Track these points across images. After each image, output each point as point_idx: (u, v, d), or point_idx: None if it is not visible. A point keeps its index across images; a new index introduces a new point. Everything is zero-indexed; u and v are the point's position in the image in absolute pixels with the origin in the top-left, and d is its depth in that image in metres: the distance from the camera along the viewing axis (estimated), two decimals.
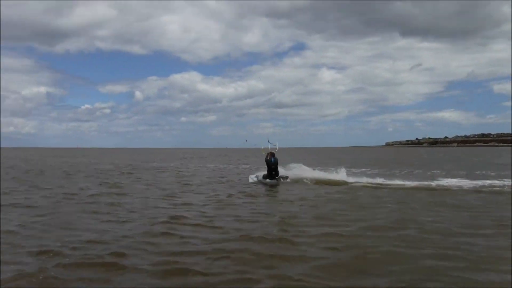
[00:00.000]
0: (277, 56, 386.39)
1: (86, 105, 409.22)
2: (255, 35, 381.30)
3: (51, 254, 6.74)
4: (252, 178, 19.64)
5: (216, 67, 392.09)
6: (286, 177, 18.65)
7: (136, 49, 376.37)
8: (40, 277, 5.67)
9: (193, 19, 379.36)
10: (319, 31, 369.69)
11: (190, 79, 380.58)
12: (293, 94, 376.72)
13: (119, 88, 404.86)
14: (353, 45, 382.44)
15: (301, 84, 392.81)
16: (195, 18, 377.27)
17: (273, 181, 17.88)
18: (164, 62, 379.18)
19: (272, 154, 18.17)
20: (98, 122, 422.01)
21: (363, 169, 26.53)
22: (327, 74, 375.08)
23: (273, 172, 18.06)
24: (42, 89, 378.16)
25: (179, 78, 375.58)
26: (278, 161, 18.25)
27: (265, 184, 17.95)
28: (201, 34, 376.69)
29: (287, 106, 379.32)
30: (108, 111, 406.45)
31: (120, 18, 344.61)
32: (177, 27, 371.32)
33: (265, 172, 18.35)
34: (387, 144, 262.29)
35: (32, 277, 5.69)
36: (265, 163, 18.29)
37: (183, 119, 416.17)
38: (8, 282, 5.51)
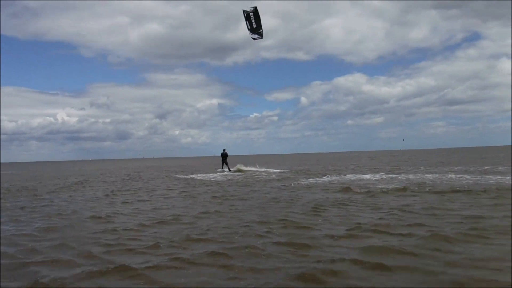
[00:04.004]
0: (449, 49, 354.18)
1: (255, 114, 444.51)
2: (422, 30, 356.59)
3: None
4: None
5: (382, 66, 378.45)
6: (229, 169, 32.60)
7: (300, 55, 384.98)
8: None
9: (356, 20, 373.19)
10: (496, 17, 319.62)
11: (354, 80, 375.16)
12: (468, 89, 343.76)
13: (285, 95, 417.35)
14: None
15: (477, 78, 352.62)
16: (358, 18, 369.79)
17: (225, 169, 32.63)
18: (328, 65, 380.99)
19: (224, 150, 33.21)
20: (266, 129, 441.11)
21: None
22: (508, 64, 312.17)
23: (224, 162, 33.33)
24: (214, 101, 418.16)
25: (343, 80, 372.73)
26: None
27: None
28: (365, 34, 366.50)
29: (462, 102, 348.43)
30: (275, 118, 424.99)
31: (284, 26, 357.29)
32: (340, 30, 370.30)
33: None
34: None
35: None
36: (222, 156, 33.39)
37: (349, 122, 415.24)
38: None
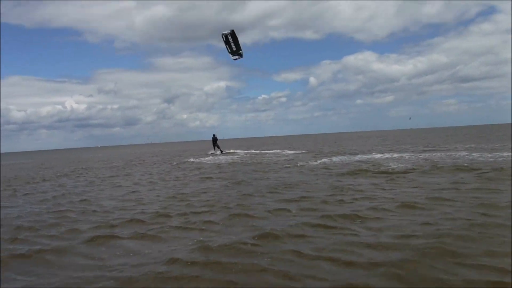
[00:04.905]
0: (462, 24, 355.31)
1: (263, 95, 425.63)
2: (435, 5, 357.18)
3: None
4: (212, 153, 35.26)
5: (392, 44, 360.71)
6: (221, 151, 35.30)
7: (308, 34, 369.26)
8: None
9: None
10: None
11: (364, 59, 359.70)
12: (481, 65, 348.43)
13: (293, 75, 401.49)
14: None
15: (491, 53, 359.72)
16: None
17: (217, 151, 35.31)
18: (337, 44, 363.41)
19: (214, 135, 35.78)
20: (275, 111, 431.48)
21: None
22: None
23: (216, 146, 35.72)
24: (222, 84, 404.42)
25: (352, 59, 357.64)
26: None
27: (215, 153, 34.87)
28: (375, 11, 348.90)
29: (475, 79, 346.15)
30: (284, 99, 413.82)
31: (292, 5, 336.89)
32: (349, 7, 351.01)
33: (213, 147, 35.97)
34: None
35: None
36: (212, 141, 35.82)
37: (358, 101, 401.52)
38: None
